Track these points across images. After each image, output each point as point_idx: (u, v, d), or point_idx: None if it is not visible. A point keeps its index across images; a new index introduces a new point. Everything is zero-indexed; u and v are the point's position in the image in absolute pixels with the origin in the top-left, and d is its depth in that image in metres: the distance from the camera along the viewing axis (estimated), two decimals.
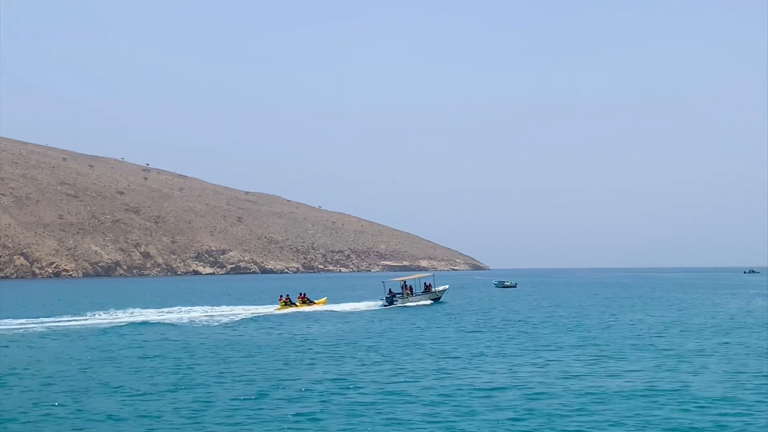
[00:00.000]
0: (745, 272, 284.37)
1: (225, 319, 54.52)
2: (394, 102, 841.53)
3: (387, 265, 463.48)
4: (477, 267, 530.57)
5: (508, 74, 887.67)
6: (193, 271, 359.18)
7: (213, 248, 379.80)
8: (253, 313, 60.49)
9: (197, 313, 61.04)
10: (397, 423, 18.67)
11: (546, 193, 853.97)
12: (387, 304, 69.95)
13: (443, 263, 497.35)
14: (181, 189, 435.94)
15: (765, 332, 39.90)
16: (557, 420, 18.79)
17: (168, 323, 51.46)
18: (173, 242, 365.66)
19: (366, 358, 30.87)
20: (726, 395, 21.23)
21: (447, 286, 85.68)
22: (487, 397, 21.48)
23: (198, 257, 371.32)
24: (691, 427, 17.87)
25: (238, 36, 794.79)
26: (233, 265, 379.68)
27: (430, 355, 31.76)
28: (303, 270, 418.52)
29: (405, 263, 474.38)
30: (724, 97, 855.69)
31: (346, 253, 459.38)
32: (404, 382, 24.42)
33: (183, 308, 67.11)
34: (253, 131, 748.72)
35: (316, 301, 69.88)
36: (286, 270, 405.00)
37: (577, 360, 29.35)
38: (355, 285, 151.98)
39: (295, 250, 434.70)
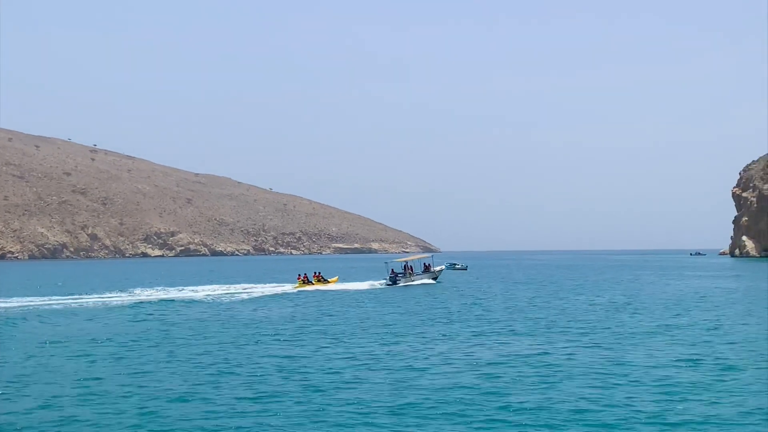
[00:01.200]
0: (691, 254, 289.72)
1: (256, 295, 61.15)
2: (343, 83, 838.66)
3: (338, 247, 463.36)
4: (428, 249, 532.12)
5: (452, 54, 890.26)
6: (142, 253, 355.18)
7: (162, 230, 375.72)
8: (276, 291, 65.41)
9: (221, 291, 65.79)
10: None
11: (496, 174, 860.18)
12: (391, 283, 74.43)
13: (394, 245, 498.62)
14: (129, 170, 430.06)
15: (707, 313, 40.13)
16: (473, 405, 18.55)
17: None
18: (121, 224, 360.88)
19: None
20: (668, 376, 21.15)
21: (443, 267, 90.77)
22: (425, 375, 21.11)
23: (147, 239, 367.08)
24: (629, 407, 17.76)
25: (185, 11, 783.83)
26: (183, 248, 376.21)
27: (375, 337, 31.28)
28: (254, 252, 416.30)
29: (356, 245, 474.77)
30: (667, 77, 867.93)
31: (298, 235, 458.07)
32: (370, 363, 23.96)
33: (209, 287, 72.86)
34: (204, 111, 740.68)
35: (329, 280, 75.40)
36: (236, 252, 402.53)
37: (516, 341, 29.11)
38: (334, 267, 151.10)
39: (245, 232, 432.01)
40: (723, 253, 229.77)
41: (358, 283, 77.52)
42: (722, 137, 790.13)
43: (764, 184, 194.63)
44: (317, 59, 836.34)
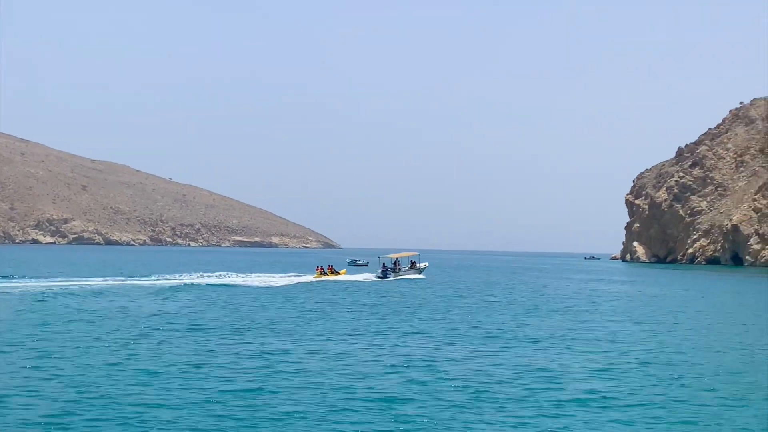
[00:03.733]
0: (585, 258, 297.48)
1: (282, 283, 67.33)
2: (247, 74, 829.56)
3: (238, 240, 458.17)
4: (329, 245, 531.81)
5: (352, 58, 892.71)
6: (33, 239, 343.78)
7: (55, 217, 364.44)
8: (296, 281, 71.20)
9: (242, 279, 71.70)
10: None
11: (393, 173, 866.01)
12: (382, 276, 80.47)
13: (295, 240, 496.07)
14: (22, 154, 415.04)
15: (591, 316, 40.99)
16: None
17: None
18: (12, 209, 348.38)
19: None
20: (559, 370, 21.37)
21: (427, 264, 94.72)
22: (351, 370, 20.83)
23: (38, 226, 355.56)
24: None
25: None
26: (76, 235, 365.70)
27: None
28: (150, 242, 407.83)
29: (257, 239, 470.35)
30: (568, 85, 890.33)
31: (196, 227, 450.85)
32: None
33: (234, 274, 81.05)
34: (102, 96, 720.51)
35: (339, 272, 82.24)
36: (132, 242, 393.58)
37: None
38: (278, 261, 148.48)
39: (142, 221, 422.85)
40: (614, 258, 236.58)
41: (355, 275, 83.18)
42: (618, 146, 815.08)
43: (656, 191, 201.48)
44: (218, 49, 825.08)
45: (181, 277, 71.13)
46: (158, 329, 31.44)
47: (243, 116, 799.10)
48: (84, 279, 65.56)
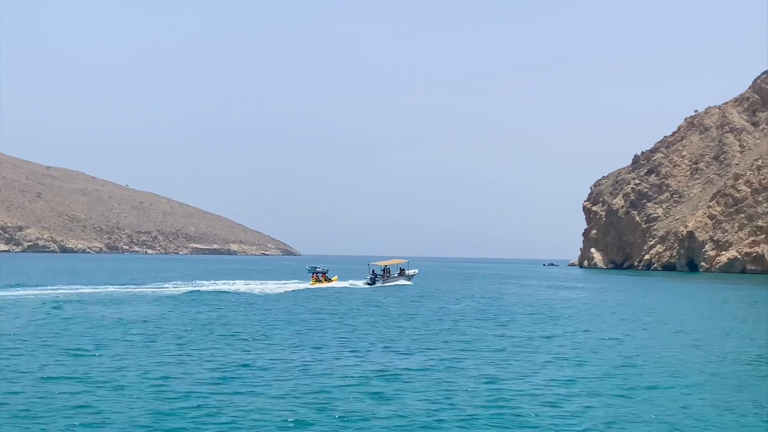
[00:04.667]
0: (544, 264, 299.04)
1: (279, 291, 69.72)
2: (205, 80, 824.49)
3: (196, 247, 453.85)
4: (288, 252, 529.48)
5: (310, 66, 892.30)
6: None
7: (9, 224, 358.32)
8: (294, 288, 73.97)
9: (241, 286, 75.57)
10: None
11: (353, 181, 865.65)
12: (370, 283, 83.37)
13: (254, 247, 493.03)
14: None
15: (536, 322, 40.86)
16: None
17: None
18: None
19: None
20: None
21: (416, 271, 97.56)
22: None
23: None
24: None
25: None
26: (30, 243, 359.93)
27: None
28: (106, 250, 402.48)
29: (215, 246, 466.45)
30: (528, 93, 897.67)
31: (154, 234, 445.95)
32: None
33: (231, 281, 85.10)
34: (58, 103, 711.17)
35: (332, 279, 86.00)
36: (88, 250, 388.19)
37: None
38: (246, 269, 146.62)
39: (98, 229, 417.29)
40: (572, 264, 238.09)
41: (344, 281, 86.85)
42: (576, 153, 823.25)
43: (613, 198, 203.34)
44: (175, 54, 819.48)
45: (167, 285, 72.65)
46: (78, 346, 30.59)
47: (200, 122, 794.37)
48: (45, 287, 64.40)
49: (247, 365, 24.67)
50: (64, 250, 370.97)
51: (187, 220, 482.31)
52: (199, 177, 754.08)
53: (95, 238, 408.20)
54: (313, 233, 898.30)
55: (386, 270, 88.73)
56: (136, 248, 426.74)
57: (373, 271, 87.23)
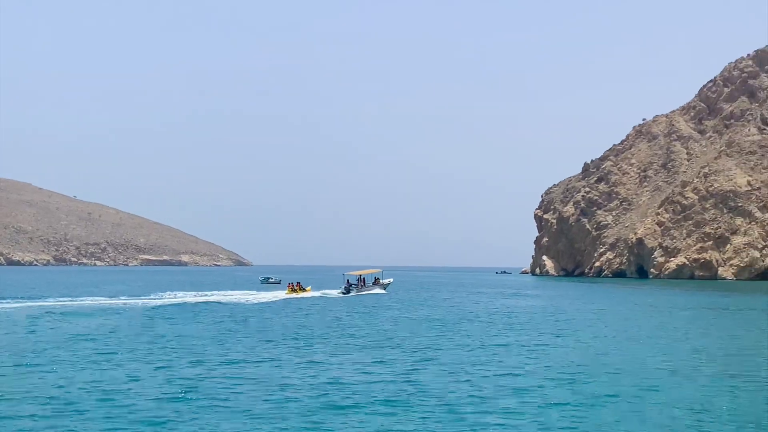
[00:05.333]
0: (497, 272, 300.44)
1: (254, 301, 68.99)
2: (153, 84, 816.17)
3: (146, 259, 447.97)
4: (240, 263, 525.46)
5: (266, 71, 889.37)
6: None
7: None
8: (270, 298, 73.46)
9: (220, 297, 74.43)
10: None
11: (301, 192, 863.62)
12: (345, 292, 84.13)
13: (206, 258, 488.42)
14: None
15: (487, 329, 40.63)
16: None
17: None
18: None
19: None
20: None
21: (391, 280, 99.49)
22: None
23: None
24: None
25: None
26: None
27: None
28: (54, 263, 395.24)
29: (165, 257, 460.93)
30: (484, 100, 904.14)
31: (103, 245, 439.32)
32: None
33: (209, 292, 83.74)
34: (3, 112, 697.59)
35: (305, 289, 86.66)
36: (35, 262, 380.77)
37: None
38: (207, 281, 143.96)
39: (46, 241, 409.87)
40: (525, 272, 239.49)
41: (320, 290, 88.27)
42: (527, 162, 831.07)
43: (563, 206, 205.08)
44: (131, 60, 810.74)
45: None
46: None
47: (149, 130, 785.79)
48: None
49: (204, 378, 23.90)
50: (10, 262, 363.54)
51: (137, 231, 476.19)
52: (149, 187, 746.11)
53: (42, 250, 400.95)
54: (265, 243, 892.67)
55: (361, 279, 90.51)
56: (85, 260, 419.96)
57: (348, 280, 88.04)
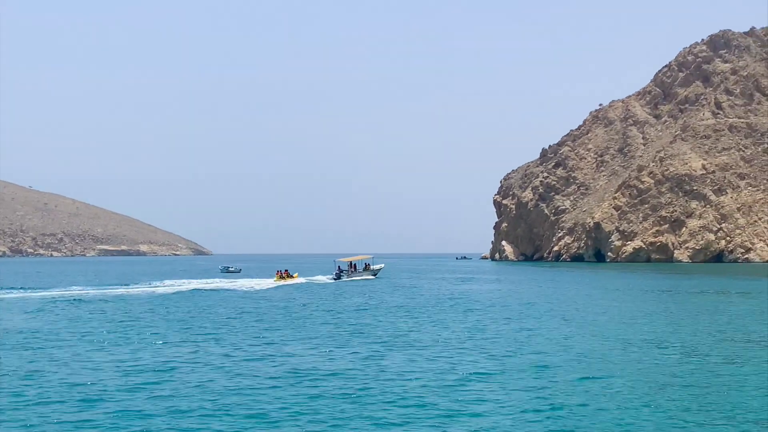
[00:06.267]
0: (457, 258, 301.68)
1: (246, 288, 69.52)
2: (111, 73, 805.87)
3: (104, 249, 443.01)
4: (200, 252, 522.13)
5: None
6: None
7: None
8: (257, 286, 74.40)
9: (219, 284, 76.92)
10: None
11: (261, 182, 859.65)
12: (336, 278, 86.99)
13: (164, 248, 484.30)
14: None
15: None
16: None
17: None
18: None
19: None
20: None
21: (383, 265, 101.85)
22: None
23: None
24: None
25: None
26: None
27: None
28: (10, 254, 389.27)
29: (124, 247, 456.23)
30: (442, 87, 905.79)
31: (59, 236, 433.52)
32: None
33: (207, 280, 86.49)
34: None
35: (294, 275, 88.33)
36: None
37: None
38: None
39: (1, 232, 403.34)
40: (485, 257, 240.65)
41: (310, 276, 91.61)
42: (487, 148, 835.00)
43: (522, 192, 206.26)
44: (87, 52, 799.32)
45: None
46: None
47: (105, 118, 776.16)
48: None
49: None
50: None
51: (94, 221, 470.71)
52: (106, 177, 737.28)
53: None
54: (225, 232, 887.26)
55: (352, 265, 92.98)
56: (41, 251, 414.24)
57: (339, 267, 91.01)
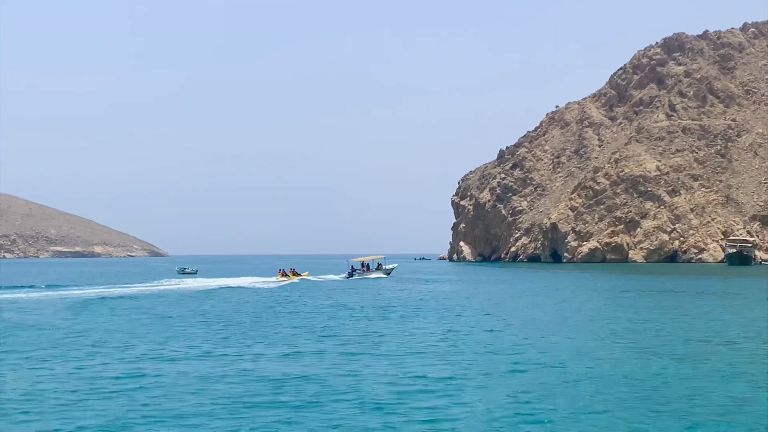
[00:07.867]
0: (415, 259, 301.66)
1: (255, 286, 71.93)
2: (65, 72, 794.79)
3: (57, 250, 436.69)
4: (156, 253, 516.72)
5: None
6: None
7: None
8: (256, 283, 76.50)
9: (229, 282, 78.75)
10: None
11: (217, 187, 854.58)
12: (348, 276, 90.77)
13: (120, 249, 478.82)
14: None
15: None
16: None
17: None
18: None
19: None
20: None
21: (396, 265, 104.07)
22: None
23: None
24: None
25: None
26: None
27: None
28: None
29: (78, 249, 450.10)
30: (402, 89, 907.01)
31: (12, 237, 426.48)
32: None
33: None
34: None
35: (302, 274, 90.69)
36: None
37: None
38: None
39: None
40: (442, 258, 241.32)
41: (323, 275, 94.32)
42: (444, 149, 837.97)
43: (480, 192, 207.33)
44: (43, 52, 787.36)
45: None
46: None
47: (58, 119, 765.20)
48: None
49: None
50: None
51: (48, 222, 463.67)
52: (59, 177, 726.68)
53: None
54: (181, 233, 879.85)
55: (364, 265, 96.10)
56: None
57: (352, 266, 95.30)
